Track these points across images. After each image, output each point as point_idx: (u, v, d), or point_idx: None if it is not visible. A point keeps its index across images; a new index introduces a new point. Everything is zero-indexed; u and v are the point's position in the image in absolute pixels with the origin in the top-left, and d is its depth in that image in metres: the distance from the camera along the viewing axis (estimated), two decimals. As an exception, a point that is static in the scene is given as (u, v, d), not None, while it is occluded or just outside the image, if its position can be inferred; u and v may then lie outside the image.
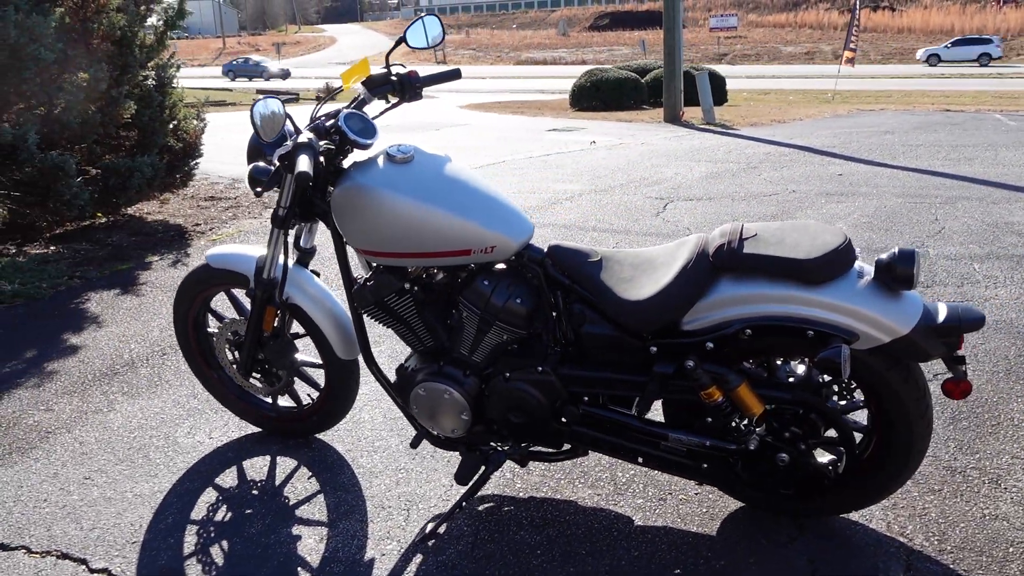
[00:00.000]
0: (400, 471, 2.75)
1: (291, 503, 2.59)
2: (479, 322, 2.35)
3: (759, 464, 2.25)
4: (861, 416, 2.33)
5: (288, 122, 2.33)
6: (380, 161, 2.36)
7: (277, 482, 2.71)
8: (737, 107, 18.52)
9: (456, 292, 2.40)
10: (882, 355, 2.08)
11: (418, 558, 2.30)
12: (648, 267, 2.26)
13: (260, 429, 3.04)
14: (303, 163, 2.13)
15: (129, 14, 6.01)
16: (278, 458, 2.87)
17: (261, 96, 2.27)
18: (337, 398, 2.83)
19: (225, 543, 2.39)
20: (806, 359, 2.22)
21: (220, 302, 3.12)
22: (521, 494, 2.61)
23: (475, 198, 2.32)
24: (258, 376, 2.86)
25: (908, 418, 2.15)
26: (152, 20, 6.99)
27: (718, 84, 19.18)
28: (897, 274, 2.03)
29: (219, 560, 2.31)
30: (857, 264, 2.10)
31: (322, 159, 2.38)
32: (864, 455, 2.28)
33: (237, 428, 3.07)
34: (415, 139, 9.94)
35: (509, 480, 2.67)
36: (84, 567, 2.30)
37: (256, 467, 2.81)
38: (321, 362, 2.81)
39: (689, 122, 14.56)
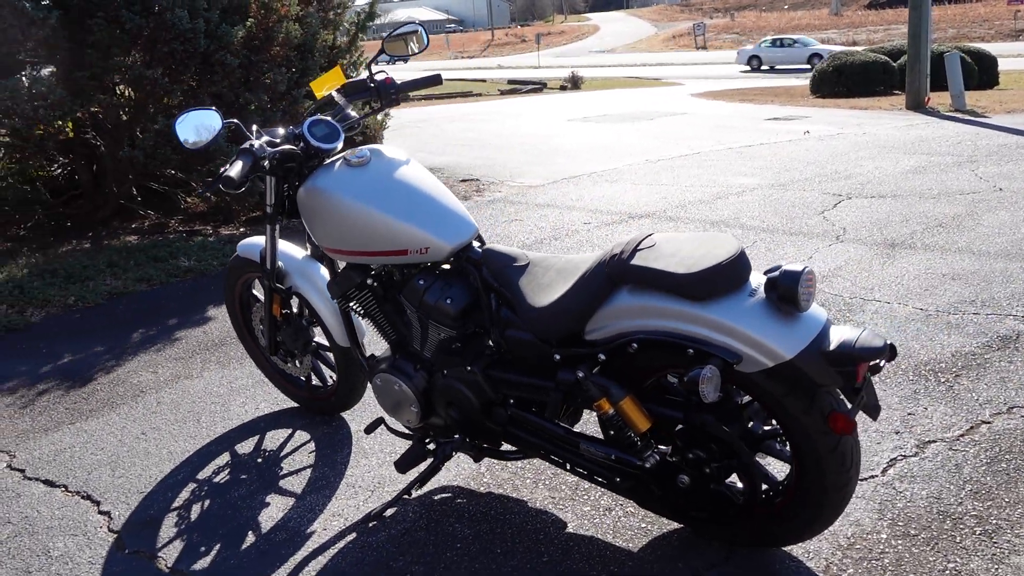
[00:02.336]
0: (388, 455, 2.92)
1: (281, 473, 2.86)
2: (417, 319, 2.47)
3: (669, 483, 2.17)
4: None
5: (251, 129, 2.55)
6: (337, 165, 2.53)
7: (282, 453, 3.00)
8: (1007, 91, 16.53)
9: (397, 290, 2.52)
10: (779, 380, 1.95)
11: (351, 536, 2.47)
12: (567, 274, 2.25)
13: (298, 405, 3.34)
14: (233, 169, 2.35)
15: (312, 21, 6.62)
16: (297, 432, 3.15)
17: (188, 111, 2.47)
18: (347, 382, 3.06)
19: (207, 502, 2.71)
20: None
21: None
22: (481, 489, 2.69)
23: (415, 201, 2.43)
24: (281, 356, 3.16)
25: (815, 451, 1.99)
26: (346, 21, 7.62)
27: (987, 65, 17.24)
28: (780, 293, 1.89)
29: (193, 516, 2.63)
30: (755, 281, 1.98)
31: (291, 163, 2.57)
32: (786, 486, 2.13)
33: (283, 403, 3.40)
34: (624, 128, 10.11)
35: (478, 474, 2.76)
36: (95, 508, 2.71)
37: (274, 438, 3.12)
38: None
39: (934, 109, 13.25)
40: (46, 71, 6.20)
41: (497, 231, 6.25)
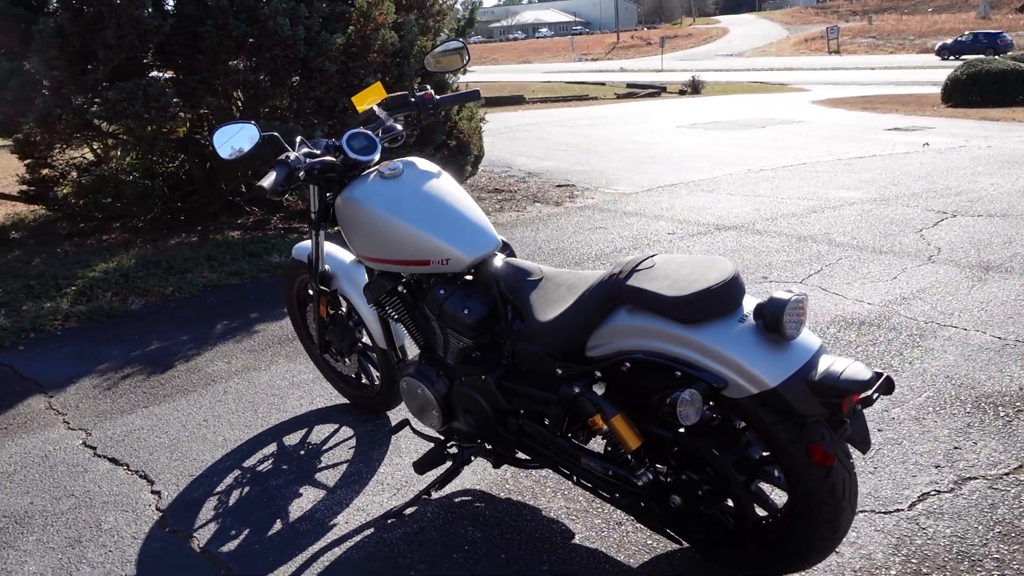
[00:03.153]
0: (420, 455, 3.02)
1: (318, 466, 3.01)
2: (438, 327, 2.57)
3: (663, 503, 2.18)
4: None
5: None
6: (371, 176, 2.65)
7: (324, 447, 3.15)
8: None
9: (421, 299, 2.62)
10: (767, 408, 1.93)
11: (368, 531, 2.59)
12: (574, 290, 2.29)
13: (348, 402, 3.50)
14: (266, 180, 2.49)
15: (410, 28, 6.84)
16: (342, 428, 3.30)
17: (226, 124, 2.62)
18: (389, 381, 3.19)
19: (247, 489, 2.88)
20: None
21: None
22: (502, 495, 2.76)
23: (439, 214, 2.52)
24: (332, 354, 3.32)
25: (805, 481, 1.97)
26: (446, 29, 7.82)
27: None
28: (766, 321, 1.88)
29: (231, 501, 2.81)
30: (748, 307, 1.97)
31: (332, 174, 2.71)
32: (784, 514, 2.11)
33: (336, 400, 3.56)
34: (732, 136, 10.13)
35: (501, 480, 2.83)
36: (148, 488, 2.93)
37: (319, 432, 3.28)
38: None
39: (1076, 121, 12.43)
40: (160, 75, 6.64)
41: (579, 239, 6.29)
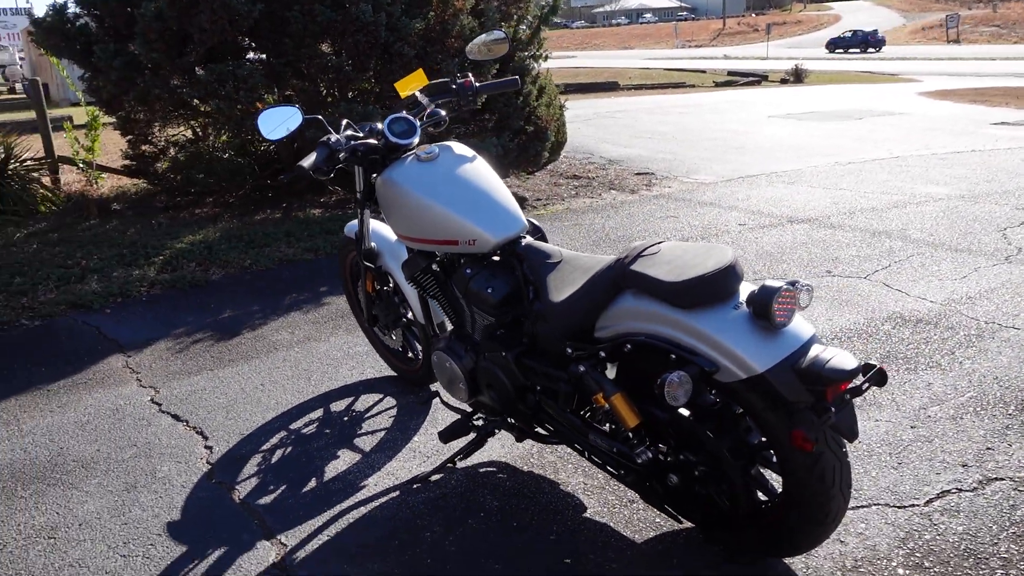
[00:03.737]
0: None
1: (358, 432, 3.18)
2: (465, 305, 2.69)
3: (663, 482, 2.25)
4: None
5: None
6: (409, 159, 2.77)
7: (367, 414, 3.33)
8: None
9: (450, 277, 2.75)
10: (758, 393, 1.99)
11: (393, 494, 2.74)
12: (587, 273, 2.37)
13: (396, 374, 3.66)
14: (306, 160, 2.65)
15: (489, 16, 6.96)
16: (386, 398, 3.47)
17: (271, 107, 2.77)
18: (430, 355, 3.33)
19: (289, 449, 3.08)
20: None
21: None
22: (525, 468, 2.87)
23: (468, 196, 2.63)
24: (380, 328, 3.48)
25: (795, 467, 2.01)
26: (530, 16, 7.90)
27: None
28: (755, 308, 1.93)
29: (274, 459, 3.01)
30: (744, 294, 2.02)
31: (375, 156, 2.85)
32: (780, 499, 2.15)
33: (385, 372, 3.73)
34: (826, 127, 10.38)
35: (527, 454, 2.94)
36: (203, 443, 3.16)
37: (365, 401, 3.45)
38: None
39: None
40: (257, 57, 6.95)
41: (647, 227, 6.31)
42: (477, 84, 3.03)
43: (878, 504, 2.54)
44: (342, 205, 7.40)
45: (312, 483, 2.84)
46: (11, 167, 7.55)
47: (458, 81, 3.00)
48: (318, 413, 3.37)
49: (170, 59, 6.43)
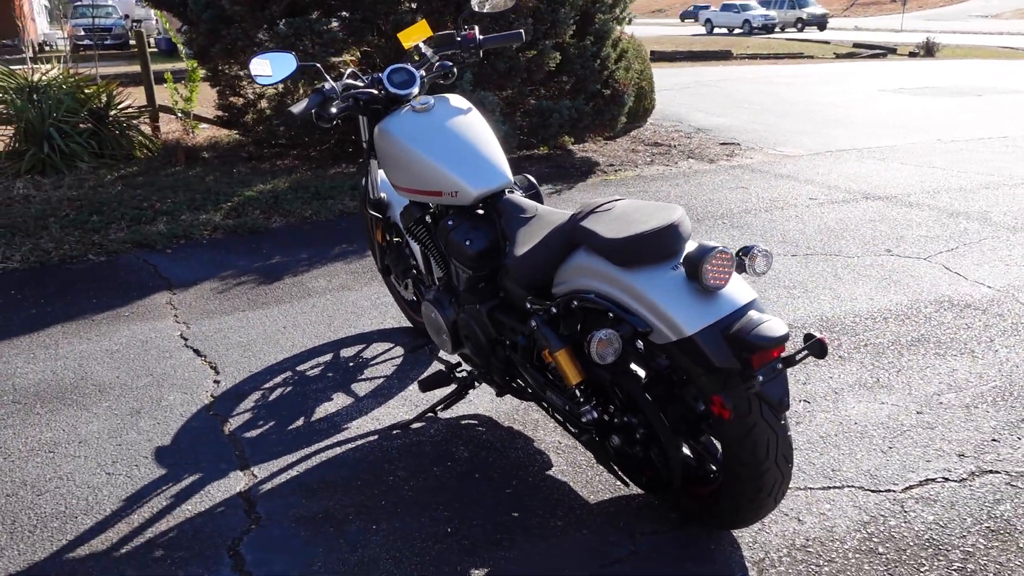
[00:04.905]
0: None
1: (358, 378, 3.26)
2: (446, 256, 2.70)
3: (608, 443, 2.23)
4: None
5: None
6: (404, 110, 2.79)
7: (372, 362, 3.40)
8: None
9: (435, 228, 2.76)
10: (692, 357, 1.93)
11: (371, 438, 2.81)
12: (551, 227, 2.33)
13: (412, 326, 3.72)
14: (297, 106, 2.69)
15: (570, -24, 6.86)
16: (395, 348, 3.54)
17: (267, 52, 2.81)
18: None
19: (289, 389, 3.18)
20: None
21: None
22: (505, 423, 2.88)
23: (454, 148, 2.63)
24: (394, 279, 3.54)
25: (726, 436, 1.95)
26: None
27: None
28: (688, 269, 1.87)
29: (271, 397, 3.12)
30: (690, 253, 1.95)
31: (377, 105, 2.87)
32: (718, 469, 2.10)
33: (404, 323, 3.80)
34: (939, 103, 10.88)
35: (513, 410, 2.95)
36: (213, 377, 3.31)
37: (374, 349, 3.53)
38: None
39: None
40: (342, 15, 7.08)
41: (713, 197, 6.14)
42: (480, 37, 3.00)
43: (852, 486, 2.43)
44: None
45: (299, 422, 2.93)
46: (112, 114, 7.97)
47: (462, 33, 2.99)
48: (327, 357, 3.46)
49: (252, 12, 6.63)
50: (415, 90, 2.85)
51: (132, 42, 7.69)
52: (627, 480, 2.29)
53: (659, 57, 19.45)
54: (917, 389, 3.02)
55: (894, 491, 2.40)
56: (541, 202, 2.67)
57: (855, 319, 3.69)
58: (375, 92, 2.85)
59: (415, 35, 2.98)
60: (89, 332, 3.78)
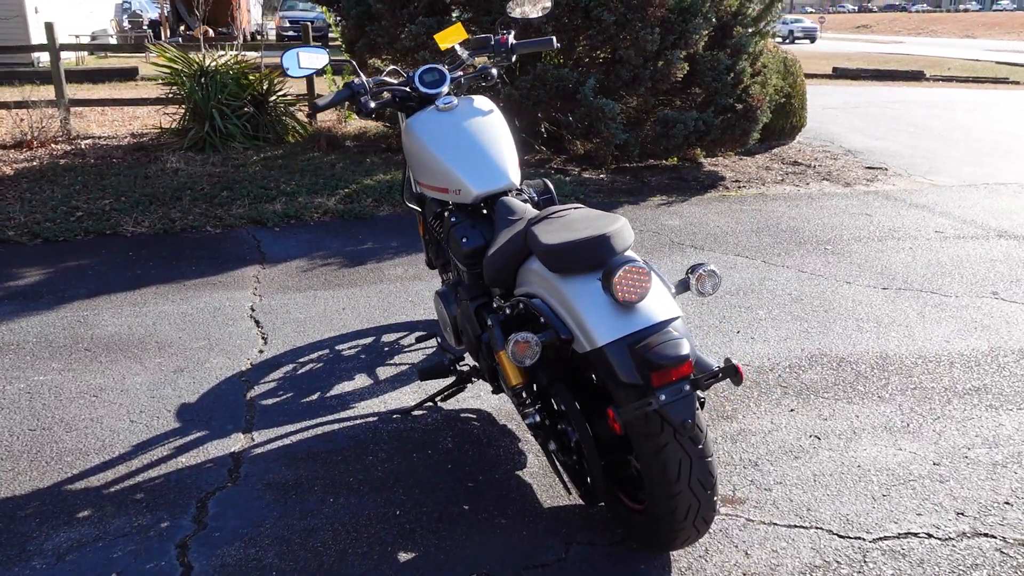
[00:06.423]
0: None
1: (385, 362, 3.40)
2: (447, 251, 2.78)
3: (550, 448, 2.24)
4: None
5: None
6: (430, 109, 2.89)
7: (404, 349, 3.53)
8: None
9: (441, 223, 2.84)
10: (608, 369, 1.92)
11: (371, 419, 2.93)
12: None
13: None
14: (324, 98, 2.84)
15: (706, -14, 6.75)
16: (434, 339, 3.66)
17: (300, 48, 2.96)
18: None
19: (319, 365, 3.37)
20: None
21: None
22: (501, 419, 2.93)
23: (464, 148, 2.71)
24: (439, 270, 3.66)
25: (640, 454, 1.93)
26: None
27: None
28: (603, 281, 1.86)
29: (300, 371, 3.31)
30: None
31: (411, 103, 2.99)
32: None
33: (454, 314, 3.91)
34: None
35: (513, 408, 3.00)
36: (260, 346, 3.55)
37: (413, 337, 3.66)
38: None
39: None
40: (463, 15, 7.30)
41: (828, 223, 5.86)
42: (513, 41, 3.06)
43: (820, 528, 2.32)
44: (542, 165, 7.60)
45: (314, 396, 3.10)
46: (271, 100, 8.58)
47: (496, 37, 3.06)
48: (367, 340, 3.63)
49: (393, 10, 6.96)
50: (444, 89, 2.94)
51: (332, 35, 8.25)
52: (569, 488, 2.29)
53: (842, 74, 18.59)
54: (947, 440, 2.81)
55: (863, 540, 2.26)
56: None
57: (916, 360, 3.45)
58: (407, 90, 2.97)
59: (451, 37, 3.07)
60: (176, 295, 4.14)
